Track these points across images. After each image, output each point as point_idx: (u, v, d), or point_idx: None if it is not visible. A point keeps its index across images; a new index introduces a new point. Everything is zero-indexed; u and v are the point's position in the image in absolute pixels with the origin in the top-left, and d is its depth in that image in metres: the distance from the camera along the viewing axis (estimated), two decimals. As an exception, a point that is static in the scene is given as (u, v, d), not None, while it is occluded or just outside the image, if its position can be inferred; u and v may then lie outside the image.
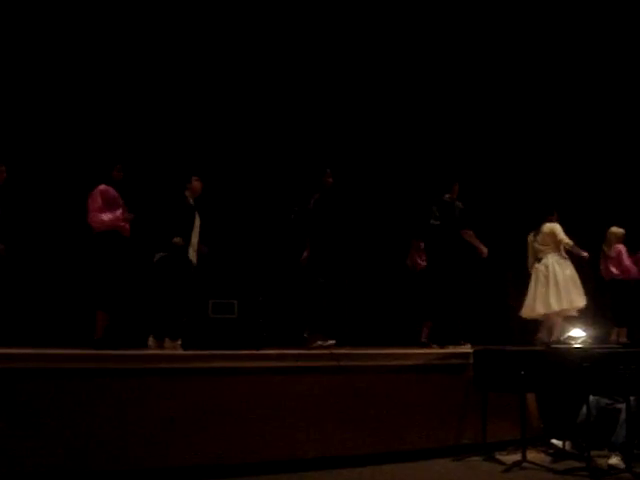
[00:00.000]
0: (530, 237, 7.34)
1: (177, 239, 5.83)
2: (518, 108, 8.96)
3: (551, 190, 8.47)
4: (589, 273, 7.41)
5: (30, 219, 6.77)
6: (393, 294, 8.38)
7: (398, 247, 8.25)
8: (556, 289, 6.95)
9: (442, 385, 5.62)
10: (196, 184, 6.19)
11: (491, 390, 5.52)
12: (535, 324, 7.46)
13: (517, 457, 5.25)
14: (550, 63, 8.92)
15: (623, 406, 5.11)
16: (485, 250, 6.78)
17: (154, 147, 7.48)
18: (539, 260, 7.18)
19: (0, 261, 5.57)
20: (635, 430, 5.06)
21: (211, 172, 6.82)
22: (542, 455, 5.48)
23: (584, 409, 5.23)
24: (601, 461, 5.12)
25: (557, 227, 7.11)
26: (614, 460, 5.00)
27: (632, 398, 5.06)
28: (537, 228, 7.22)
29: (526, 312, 7.17)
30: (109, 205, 5.68)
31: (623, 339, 7.56)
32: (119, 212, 5.69)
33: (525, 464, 5.16)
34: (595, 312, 7.19)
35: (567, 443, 5.47)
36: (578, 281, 7.02)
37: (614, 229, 7.95)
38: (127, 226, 5.78)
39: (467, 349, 6.10)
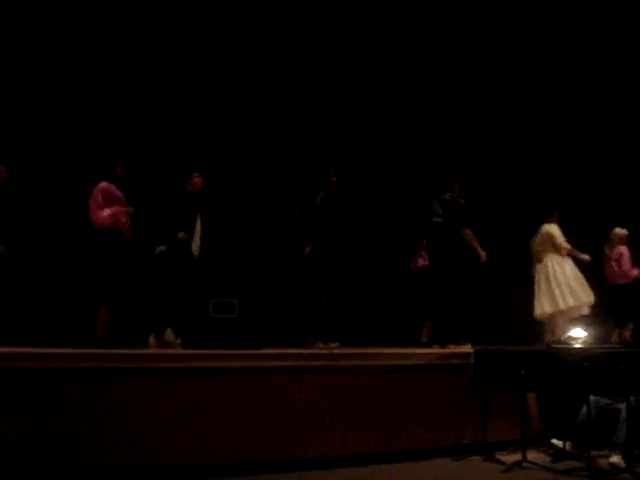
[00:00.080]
0: (531, 241, 7.34)
1: (181, 234, 5.87)
2: (520, 107, 8.96)
3: (553, 190, 8.45)
4: (590, 274, 7.40)
5: (31, 218, 6.77)
6: (393, 294, 8.38)
7: (399, 247, 8.25)
8: (559, 289, 6.95)
9: (442, 385, 5.62)
10: (197, 180, 6.21)
11: (491, 390, 5.51)
12: (535, 324, 7.46)
13: (517, 457, 5.24)
14: (550, 63, 8.91)
15: (623, 406, 5.10)
16: (483, 254, 6.76)
17: (156, 143, 7.47)
18: (539, 261, 7.18)
19: (1, 262, 5.58)
20: (635, 430, 5.05)
21: (213, 170, 6.83)
22: (542, 455, 5.47)
23: (584, 409, 5.22)
24: (601, 461, 5.12)
25: (554, 230, 7.09)
26: (615, 459, 5.00)
27: (632, 398, 5.06)
28: (536, 230, 7.22)
29: (537, 312, 7.15)
30: (109, 202, 5.69)
31: (627, 336, 7.51)
32: (119, 207, 5.70)
33: (525, 464, 5.15)
34: (596, 312, 7.17)
35: (567, 443, 5.46)
36: (581, 278, 7.01)
37: (617, 230, 7.87)
38: (128, 224, 5.78)
39: (467, 349, 6.10)
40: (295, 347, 5.88)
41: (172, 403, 4.73)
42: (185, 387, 4.81)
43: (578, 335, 6.04)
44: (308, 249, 6.54)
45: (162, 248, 5.96)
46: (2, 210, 5.64)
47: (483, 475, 5.02)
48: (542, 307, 7.08)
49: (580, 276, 7.04)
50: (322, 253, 6.43)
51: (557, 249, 7.04)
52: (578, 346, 5.82)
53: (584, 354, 5.33)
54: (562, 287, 6.94)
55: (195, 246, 6.08)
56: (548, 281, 7.03)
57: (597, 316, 7.16)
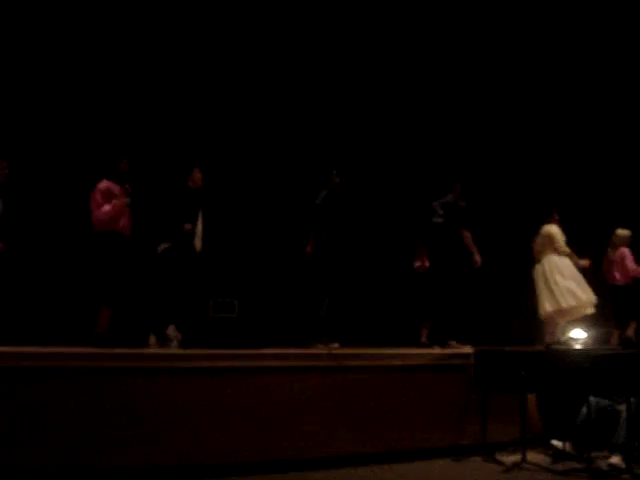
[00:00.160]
0: (533, 242, 7.34)
1: (187, 225, 5.89)
2: (522, 108, 8.96)
3: (555, 190, 8.44)
4: (590, 274, 7.39)
5: (32, 216, 6.76)
6: (393, 294, 8.37)
7: (399, 247, 8.24)
8: (558, 289, 6.94)
9: (442, 385, 5.62)
10: (197, 175, 6.23)
11: (491, 390, 5.52)
12: (535, 325, 7.46)
13: (517, 458, 5.24)
14: (552, 64, 8.91)
15: (623, 407, 5.11)
16: (479, 259, 6.77)
17: (158, 140, 7.45)
18: (538, 261, 7.19)
19: (0, 259, 5.57)
20: (635, 431, 5.06)
21: (215, 168, 6.82)
22: (542, 456, 5.48)
23: (584, 410, 5.23)
24: (601, 462, 5.12)
25: (555, 232, 7.08)
26: (615, 460, 5.00)
27: (632, 399, 5.06)
28: (538, 230, 7.22)
29: (540, 313, 7.16)
30: (108, 200, 5.69)
31: (631, 335, 7.49)
32: (116, 201, 5.70)
33: (525, 465, 5.16)
34: (596, 313, 7.16)
35: (567, 444, 5.46)
36: (580, 278, 7.00)
37: (620, 231, 7.83)
38: (129, 224, 5.78)
39: (468, 350, 6.09)
40: (295, 347, 5.88)
41: (172, 403, 4.73)
42: (185, 387, 4.80)
43: (578, 336, 6.05)
44: (309, 248, 6.54)
45: (165, 245, 5.96)
46: (3, 206, 5.63)
47: (483, 476, 5.02)
48: (544, 307, 7.08)
49: (579, 276, 7.04)
50: (323, 253, 6.43)
51: (557, 251, 7.03)
52: (578, 347, 5.82)
53: (584, 355, 5.34)
54: (560, 287, 6.93)
55: (198, 242, 6.10)
56: (546, 281, 7.03)
57: (597, 317, 7.16)
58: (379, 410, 5.33)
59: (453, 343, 6.42)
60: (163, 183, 6.49)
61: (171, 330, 5.77)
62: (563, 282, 6.93)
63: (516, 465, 5.13)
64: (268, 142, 8.06)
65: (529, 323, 7.75)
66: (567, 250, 6.99)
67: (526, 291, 7.43)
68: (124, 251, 5.70)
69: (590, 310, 6.93)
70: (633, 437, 5.05)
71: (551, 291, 6.98)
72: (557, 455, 5.43)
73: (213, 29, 7.84)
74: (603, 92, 8.91)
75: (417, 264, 7.62)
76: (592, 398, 5.22)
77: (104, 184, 5.74)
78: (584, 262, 7.04)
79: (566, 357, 5.43)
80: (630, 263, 7.71)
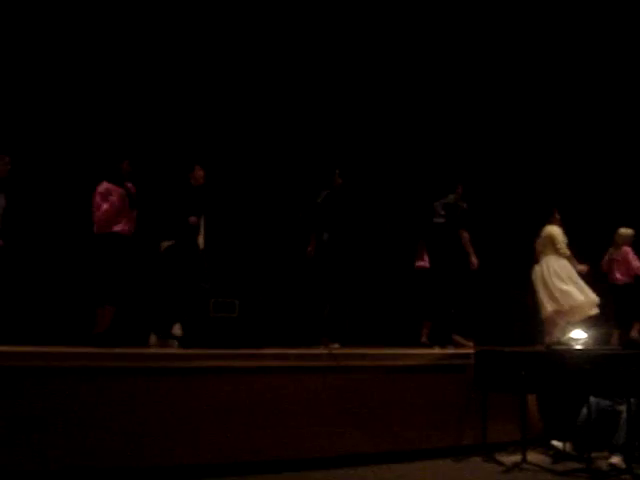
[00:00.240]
0: (535, 242, 7.34)
1: (193, 218, 5.89)
2: (524, 108, 8.96)
3: (556, 190, 8.43)
4: (591, 274, 7.39)
5: (33, 216, 6.76)
6: (394, 294, 8.37)
7: (399, 247, 8.24)
8: (557, 289, 6.94)
9: (443, 385, 5.62)
10: (199, 173, 6.23)
11: (492, 391, 5.52)
12: (535, 326, 7.45)
13: (517, 458, 5.24)
14: (552, 65, 8.91)
15: (624, 408, 5.11)
16: (476, 262, 6.77)
17: (160, 139, 7.44)
18: (537, 261, 7.18)
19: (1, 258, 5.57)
20: (636, 432, 5.06)
21: (217, 168, 6.82)
22: (542, 456, 5.47)
23: (585, 410, 5.23)
24: (601, 463, 5.12)
25: (556, 233, 7.07)
26: (615, 459, 5.00)
27: (633, 400, 5.06)
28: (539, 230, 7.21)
29: (542, 313, 7.15)
30: (107, 202, 5.70)
31: (635, 335, 7.48)
32: (114, 198, 5.70)
33: (525, 465, 5.16)
34: (596, 314, 7.15)
35: (567, 444, 5.46)
36: (578, 279, 6.99)
37: (622, 230, 7.82)
38: (129, 225, 5.78)
39: (469, 349, 6.09)
40: (295, 347, 5.88)
41: (172, 402, 4.73)
42: (185, 386, 4.80)
43: (578, 336, 6.05)
44: (310, 248, 6.54)
45: (168, 243, 5.96)
46: (7, 202, 5.63)
47: (483, 476, 5.02)
48: (544, 308, 7.08)
49: (576, 278, 7.02)
50: (325, 253, 6.42)
51: (557, 252, 7.02)
52: (578, 347, 5.82)
53: (584, 355, 5.34)
54: (558, 288, 6.93)
55: (200, 240, 6.11)
56: (544, 282, 7.04)
57: (597, 317, 7.15)
58: (379, 410, 5.33)
59: (458, 338, 6.41)
60: (165, 181, 6.50)
61: (177, 329, 5.78)
62: (560, 284, 6.93)
63: (516, 465, 5.13)
64: (270, 141, 8.06)
65: (529, 323, 7.74)
66: (567, 252, 6.99)
67: (526, 292, 7.43)
68: (124, 252, 5.70)
69: (592, 311, 6.92)
70: (633, 437, 5.05)
71: (549, 292, 6.98)
72: (557, 455, 5.42)
73: (214, 28, 7.84)
74: (604, 92, 8.90)
75: (418, 264, 7.62)
76: (592, 398, 5.22)
77: (103, 186, 5.74)
78: (582, 267, 7.03)
79: (566, 357, 5.43)
80: (635, 261, 7.70)
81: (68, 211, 6.76)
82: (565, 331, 6.65)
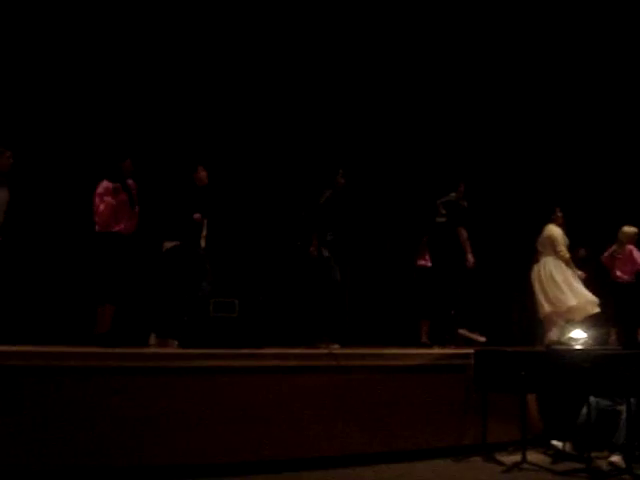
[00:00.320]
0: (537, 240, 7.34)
1: (197, 215, 5.90)
2: (526, 105, 8.96)
3: (558, 189, 8.42)
4: (592, 273, 7.40)
5: (33, 216, 6.76)
6: (394, 294, 8.37)
7: (399, 246, 8.25)
8: (550, 290, 6.95)
9: (442, 385, 5.61)
10: (202, 173, 6.23)
11: (491, 391, 5.51)
12: (535, 325, 7.46)
13: (517, 458, 5.24)
14: (554, 64, 8.91)
15: (624, 407, 5.11)
16: (472, 260, 6.76)
17: (162, 138, 7.45)
18: (537, 261, 7.18)
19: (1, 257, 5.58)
20: (636, 431, 5.05)
21: (218, 167, 6.81)
22: (542, 456, 5.47)
23: (584, 410, 5.23)
24: (601, 462, 5.12)
25: (557, 235, 7.06)
26: (615, 458, 5.00)
27: (633, 400, 5.06)
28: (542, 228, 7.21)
29: (539, 312, 7.15)
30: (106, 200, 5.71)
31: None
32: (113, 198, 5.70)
33: (525, 465, 5.15)
34: (597, 314, 7.15)
35: (567, 444, 5.46)
36: (573, 281, 6.99)
37: (626, 228, 7.76)
38: (130, 224, 5.78)
39: (468, 349, 6.09)
40: (295, 347, 5.88)
41: (172, 402, 4.73)
42: (185, 386, 4.80)
43: (578, 336, 6.05)
44: (313, 249, 6.49)
45: (172, 243, 5.96)
46: (10, 196, 5.63)
47: (483, 476, 5.02)
48: (541, 308, 7.08)
49: (571, 280, 7.01)
50: (329, 254, 6.40)
51: (557, 254, 7.02)
52: (578, 347, 5.82)
53: (584, 355, 5.33)
54: (554, 291, 6.93)
55: (202, 241, 6.13)
56: (541, 283, 7.04)
57: (597, 317, 7.15)
58: (379, 410, 5.32)
59: (465, 332, 6.40)
60: (168, 182, 6.49)
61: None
62: (554, 288, 6.93)
63: (516, 465, 5.12)
64: (273, 141, 8.06)
65: (529, 323, 7.74)
66: (567, 256, 6.98)
67: (526, 291, 7.44)
68: (123, 252, 5.70)
69: (591, 311, 6.92)
70: (633, 437, 5.05)
71: (545, 294, 6.99)
72: (557, 455, 5.42)
73: (218, 28, 7.85)
74: (607, 90, 8.90)
75: (420, 262, 7.63)
76: (592, 398, 5.22)
77: (103, 185, 5.74)
78: (580, 274, 7.03)
79: (566, 357, 5.42)
80: (638, 258, 7.66)
81: (69, 209, 6.76)
82: (565, 331, 6.65)
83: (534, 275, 7.18)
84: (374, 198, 8.38)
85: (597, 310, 6.94)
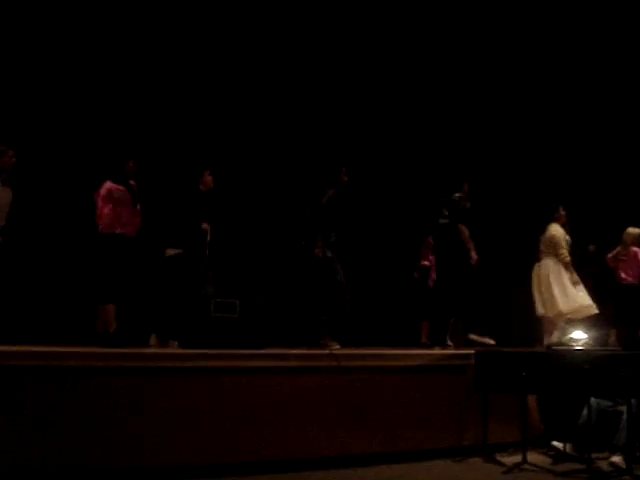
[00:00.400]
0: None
1: (205, 225, 5.87)
2: (530, 105, 8.96)
3: (560, 189, 8.41)
4: (594, 274, 7.39)
5: (34, 216, 6.76)
6: (394, 294, 8.37)
7: (400, 247, 8.25)
8: (547, 292, 6.94)
9: (443, 386, 5.61)
10: (208, 178, 6.22)
11: (492, 391, 5.51)
12: (536, 326, 7.45)
13: (518, 459, 5.23)
14: (556, 63, 8.92)
15: (624, 408, 5.10)
16: (475, 257, 6.75)
17: (165, 141, 7.45)
18: (538, 260, 7.17)
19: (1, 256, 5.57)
20: (636, 432, 5.05)
21: (220, 168, 6.80)
22: (543, 457, 5.47)
23: (585, 411, 5.22)
24: (602, 463, 5.11)
25: (559, 236, 7.02)
26: (616, 458, 4.99)
27: (633, 400, 5.06)
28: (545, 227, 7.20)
29: (537, 312, 7.14)
30: (110, 202, 5.70)
31: None
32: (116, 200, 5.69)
33: (526, 466, 5.15)
34: (597, 314, 7.15)
35: (568, 445, 5.44)
36: (578, 281, 6.98)
37: (631, 230, 7.74)
38: (133, 227, 5.78)
39: (469, 350, 6.09)
40: (295, 347, 5.87)
41: (172, 403, 4.72)
42: (186, 387, 4.80)
43: (579, 337, 6.04)
44: (318, 250, 6.44)
45: (174, 252, 5.92)
46: (14, 194, 5.62)
47: (483, 476, 5.02)
48: (541, 307, 7.08)
49: (568, 283, 7.00)
50: (332, 254, 6.38)
51: (557, 256, 7.00)
52: (579, 348, 5.81)
53: (585, 356, 5.32)
54: (551, 292, 6.92)
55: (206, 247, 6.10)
56: (539, 284, 7.04)
57: (597, 318, 7.15)
58: (379, 410, 5.32)
59: (476, 337, 6.38)
60: (174, 187, 6.46)
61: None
62: (547, 293, 6.92)
63: (517, 466, 5.12)
64: (275, 141, 8.07)
65: (529, 323, 7.74)
66: (567, 259, 6.93)
67: (526, 291, 7.43)
68: (126, 254, 5.70)
69: (587, 314, 6.90)
70: (634, 438, 5.04)
71: (540, 294, 6.99)
72: (558, 456, 5.41)
73: (222, 30, 7.87)
74: (610, 90, 8.89)
75: (422, 263, 7.62)
76: (593, 399, 5.21)
77: (106, 186, 5.74)
78: (577, 280, 7.01)
79: (567, 358, 5.42)
80: None
81: (71, 208, 6.76)
82: (565, 331, 6.65)
83: (533, 274, 7.18)
84: (376, 198, 8.38)
85: (593, 312, 6.92)
